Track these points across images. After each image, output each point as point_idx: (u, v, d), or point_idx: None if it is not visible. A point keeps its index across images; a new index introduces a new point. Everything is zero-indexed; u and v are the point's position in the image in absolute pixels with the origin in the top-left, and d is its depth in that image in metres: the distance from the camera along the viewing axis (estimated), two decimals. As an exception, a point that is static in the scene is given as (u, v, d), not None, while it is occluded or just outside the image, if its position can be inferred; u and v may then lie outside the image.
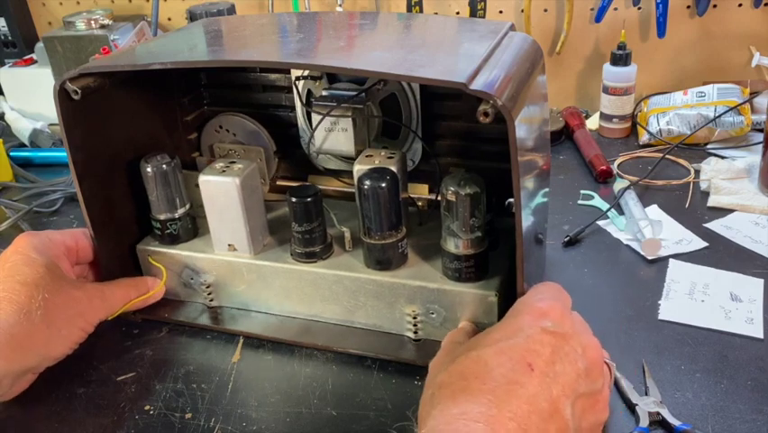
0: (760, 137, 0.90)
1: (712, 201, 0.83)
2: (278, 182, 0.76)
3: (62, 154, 1.04)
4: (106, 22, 1.13)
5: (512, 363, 0.42)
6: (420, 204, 0.70)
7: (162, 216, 0.66)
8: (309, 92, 0.70)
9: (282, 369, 0.61)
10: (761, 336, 0.61)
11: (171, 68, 0.54)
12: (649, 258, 0.73)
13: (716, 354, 0.59)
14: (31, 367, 0.56)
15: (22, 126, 1.13)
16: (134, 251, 0.68)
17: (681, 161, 0.93)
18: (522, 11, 1.11)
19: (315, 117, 0.66)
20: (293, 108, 0.73)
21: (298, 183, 0.69)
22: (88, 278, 0.67)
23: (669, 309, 0.65)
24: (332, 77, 0.69)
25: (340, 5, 1.14)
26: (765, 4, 1.05)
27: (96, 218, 0.63)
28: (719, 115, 0.94)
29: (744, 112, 0.94)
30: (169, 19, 1.29)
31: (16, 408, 0.57)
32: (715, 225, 0.78)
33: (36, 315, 0.54)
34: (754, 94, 0.99)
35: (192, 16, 1.04)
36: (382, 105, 0.68)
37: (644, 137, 1.00)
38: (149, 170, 0.64)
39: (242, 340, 0.65)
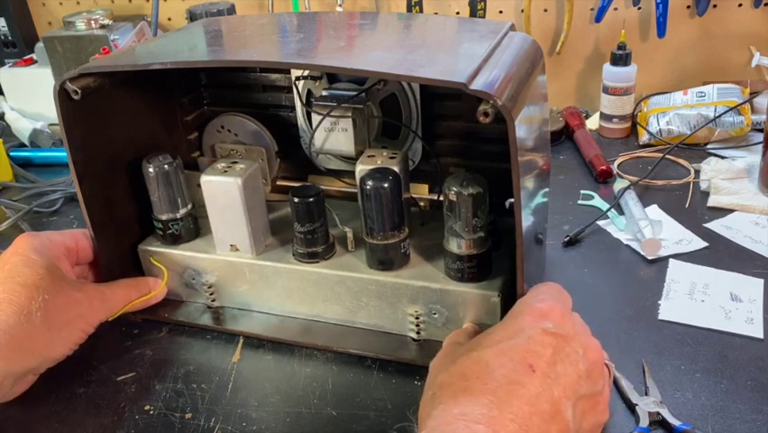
0: (760, 137, 0.90)
1: (712, 201, 0.83)
2: (278, 182, 0.76)
3: (62, 154, 1.04)
4: (106, 22, 1.13)
5: (513, 364, 0.42)
6: (422, 204, 0.70)
7: (164, 217, 0.66)
8: (309, 92, 0.70)
9: (282, 369, 0.61)
10: (761, 336, 0.61)
11: (171, 68, 0.54)
12: (649, 258, 0.73)
13: (716, 354, 0.59)
14: (31, 368, 0.56)
15: (22, 126, 1.13)
16: (135, 251, 0.68)
17: (681, 161, 0.94)
18: (522, 11, 1.11)
19: (316, 117, 0.66)
20: (293, 108, 0.73)
21: (299, 183, 0.69)
22: (88, 278, 0.67)
23: (669, 309, 0.65)
24: (332, 77, 0.69)
25: (340, 5, 1.14)
26: (765, 4, 1.05)
27: (96, 218, 0.63)
28: (719, 115, 0.94)
29: (744, 112, 0.95)
30: (169, 19, 1.29)
31: (16, 408, 0.57)
32: (715, 225, 0.78)
33: (36, 316, 0.54)
34: (754, 94, 0.99)
35: (192, 16, 1.04)
36: (382, 106, 0.68)
37: (644, 137, 1.00)
38: (151, 170, 0.64)
39: (242, 340, 0.65)
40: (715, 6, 1.06)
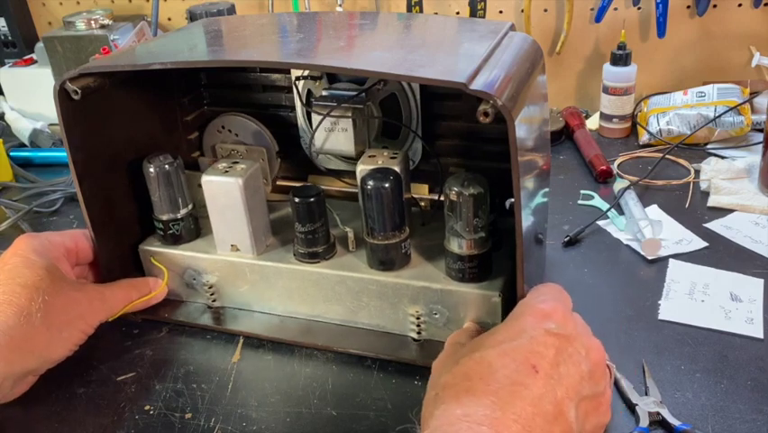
0: (760, 137, 0.90)
1: (712, 201, 0.83)
2: (279, 182, 0.76)
3: (62, 154, 1.04)
4: (106, 22, 1.13)
5: (516, 365, 0.42)
6: (423, 204, 0.70)
7: (165, 217, 0.66)
8: (309, 92, 0.70)
9: (282, 369, 0.61)
10: (761, 336, 0.61)
11: (171, 68, 0.54)
12: (649, 258, 0.73)
13: (716, 354, 0.59)
14: (31, 369, 0.56)
15: (22, 126, 1.13)
16: (135, 251, 0.68)
17: (681, 161, 0.94)
18: (522, 11, 1.11)
19: (316, 117, 0.66)
20: (293, 108, 0.73)
21: (299, 183, 0.69)
22: (88, 279, 0.67)
23: (669, 309, 0.65)
24: (332, 77, 0.69)
25: (340, 5, 1.14)
26: (765, 4, 1.05)
27: (96, 218, 0.63)
28: (719, 115, 0.94)
29: (744, 112, 0.95)
30: (169, 19, 1.29)
31: (16, 408, 0.57)
32: (715, 225, 0.78)
33: (36, 317, 0.54)
34: (754, 94, 0.99)
35: (192, 16, 1.04)
36: (382, 106, 0.68)
37: (644, 137, 1.00)
38: (151, 170, 0.64)
39: (242, 340, 0.65)
40: (715, 6, 1.06)
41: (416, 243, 0.63)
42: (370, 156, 0.64)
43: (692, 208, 0.83)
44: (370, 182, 0.57)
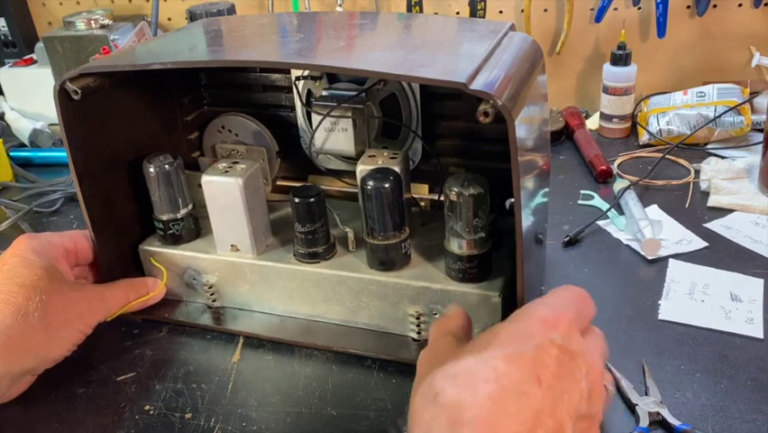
0: (760, 137, 0.90)
1: (712, 201, 0.83)
2: (279, 182, 0.76)
3: (62, 154, 1.04)
4: (106, 22, 1.13)
5: (521, 373, 0.40)
6: (423, 204, 0.70)
7: (165, 217, 0.66)
8: (309, 92, 0.70)
9: (282, 369, 0.61)
10: (761, 336, 0.61)
11: (171, 68, 0.54)
12: (649, 258, 0.73)
13: (716, 354, 0.59)
14: (29, 369, 0.56)
15: (22, 126, 1.13)
16: (135, 251, 0.68)
17: (681, 161, 0.94)
18: (522, 11, 1.11)
19: (316, 117, 0.66)
20: (293, 108, 0.73)
21: (299, 183, 0.69)
22: (89, 279, 0.67)
23: (669, 309, 0.65)
24: (332, 77, 0.69)
25: (340, 5, 1.14)
26: (765, 4, 1.05)
27: (96, 218, 0.63)
28: (719, 115, 0.94)
29: (744, 112, 0.95)
30: (169, 19, 1.29)
31: (16, 408, 0.57)
32: (715, 225, 0.78)
33: (33, 317, 0.54)
34: (754, 94, 0.99)
35: (192, 16, 1.04)
36: (382, 106, 0.68)
37: (644, 137, 1.00)
38: (151, 170, 0.64)
39: (242, 340, 0.65)
40: (715, 6, 1.06)
41: (416, 243, 0.63)
42: (370, 156, 0.64)
43: (692, 208, 0.83)
44: (370, 182, 0.57)
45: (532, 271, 0.57)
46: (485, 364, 0.40)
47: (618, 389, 0.55)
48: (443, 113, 0.68)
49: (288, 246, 0.65)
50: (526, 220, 0.51)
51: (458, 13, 1.16)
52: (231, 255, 0.65)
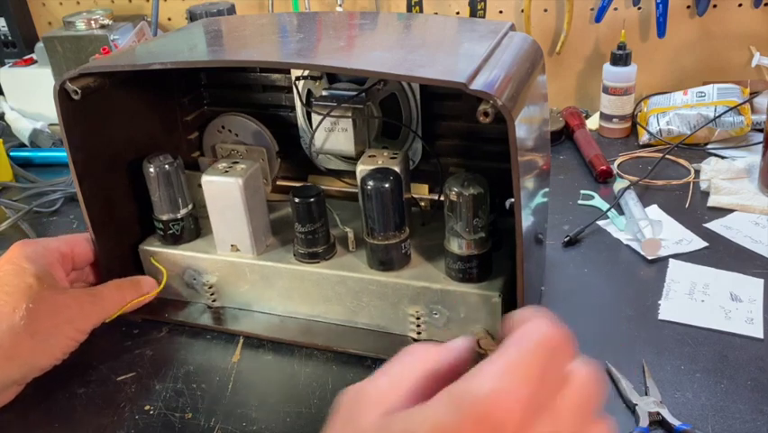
0: (760, 137, 0.90)
1: (712, 201, 0.83)
2: (279, 182, 0.76)
3: (62, 154, 1.04)
4: (106, 22, 1.13)
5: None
6: (423, 204, 0.70)
7: (165, 217, 0.66)
8: (309, 92, 0.70)
9: (282, 369, 0.61)
10: (761, 336, 0.61)
11: (171, 68, 0.54)
12: (649, 258, 0.73)
13: (716, 354, 0.59)
14: (14, 379, 0.55)
15: (22, 126, 1.13)
16: (135, 251, 0.68)
17: (681, 161, 0.94)
18: (522, 11, 1.11)
19: (316, 117, 0.66)
20: (293, 108, 0.73)
21: (299, 183, 0.69)
22: (89, 280, 0.66)
23: (669, 309, 0.65)
24: (332, 77, 0.69)
25: (340, 5, 1.14)
26: (765, 4, 1.05)
27: (96, 218, 0.63)
28: (719, 115, 0.94)
29: (744, 112, 0.94)
30: (169, 19, 1.29)
31: (16, 408, 0.57)
32: (715, 225, 0.78)
33: (19, 325, 0.53)
34: (754, 94, 0.99)
35: (192, 16, 1.04)
36: (382, 106, 0.68)
37: (644, 137, 1.00)
38: (151, 170, 0.64)
39: (242, 340, 0.65)
40: (715, 6, 1.06)
41: (416, 243, 0.63)
42: (370, 156, 0.64)
43: (692, 208, 0.83)
44: (370, 182, 0.57)
45: (532, 271, 0.57)
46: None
47: (618, 389, 0.55)
48: (443, 113, 0.68)
49: (288, 246, 0.65)
50: (526, 220, 0.51)
51: (458, 13, 1.16)
52: (231, 255, 0.65)
